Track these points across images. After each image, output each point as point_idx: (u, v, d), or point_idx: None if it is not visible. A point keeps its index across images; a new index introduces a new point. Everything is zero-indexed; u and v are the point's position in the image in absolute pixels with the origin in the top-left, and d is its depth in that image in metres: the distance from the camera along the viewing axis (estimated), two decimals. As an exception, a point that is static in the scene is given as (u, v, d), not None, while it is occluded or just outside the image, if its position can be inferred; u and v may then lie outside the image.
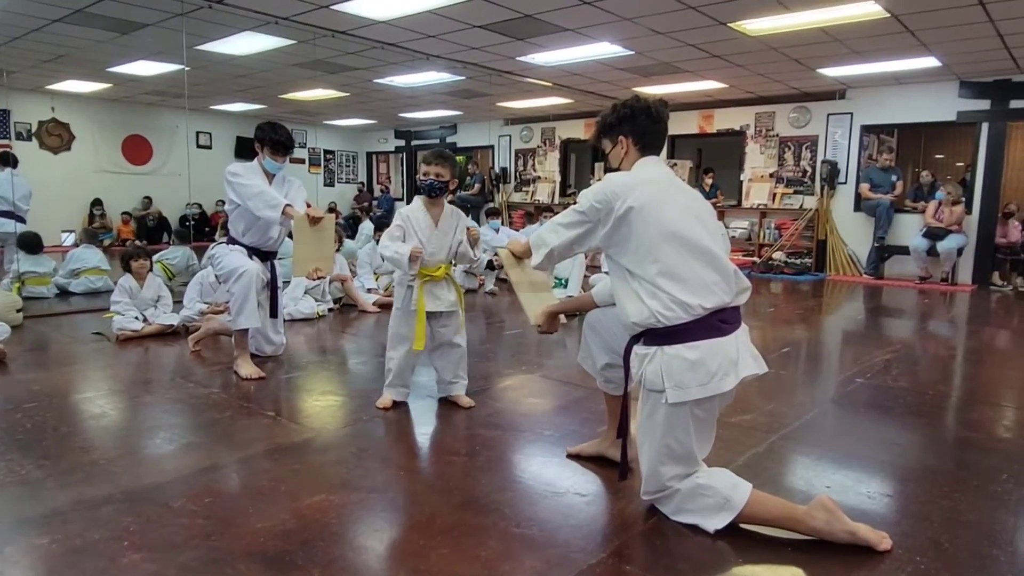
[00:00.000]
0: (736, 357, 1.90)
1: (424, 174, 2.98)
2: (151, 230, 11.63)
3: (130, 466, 2.42)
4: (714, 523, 1.91)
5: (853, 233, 9.05)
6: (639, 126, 2.10)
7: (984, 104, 8.04)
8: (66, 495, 2.16)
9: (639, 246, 1.91)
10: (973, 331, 5.59)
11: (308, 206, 3.58)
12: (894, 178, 8.68)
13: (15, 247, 6.35)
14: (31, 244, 6.31)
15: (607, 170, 2.17)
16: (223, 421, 2.95)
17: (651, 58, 7.18)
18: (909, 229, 8.45)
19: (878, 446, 2.76)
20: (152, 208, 11.92)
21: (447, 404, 3.22)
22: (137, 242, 11.21)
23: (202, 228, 11.83)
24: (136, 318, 4.66)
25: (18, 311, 4.91)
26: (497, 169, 12.72)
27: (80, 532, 1.92)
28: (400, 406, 3.17)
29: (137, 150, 12.00)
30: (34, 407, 3.08)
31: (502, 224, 8.84)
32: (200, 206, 12.20)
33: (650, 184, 1.97)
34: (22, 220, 6.74)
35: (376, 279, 6.49)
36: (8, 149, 7.39)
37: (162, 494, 2.18)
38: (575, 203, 2.09)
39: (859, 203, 8.95)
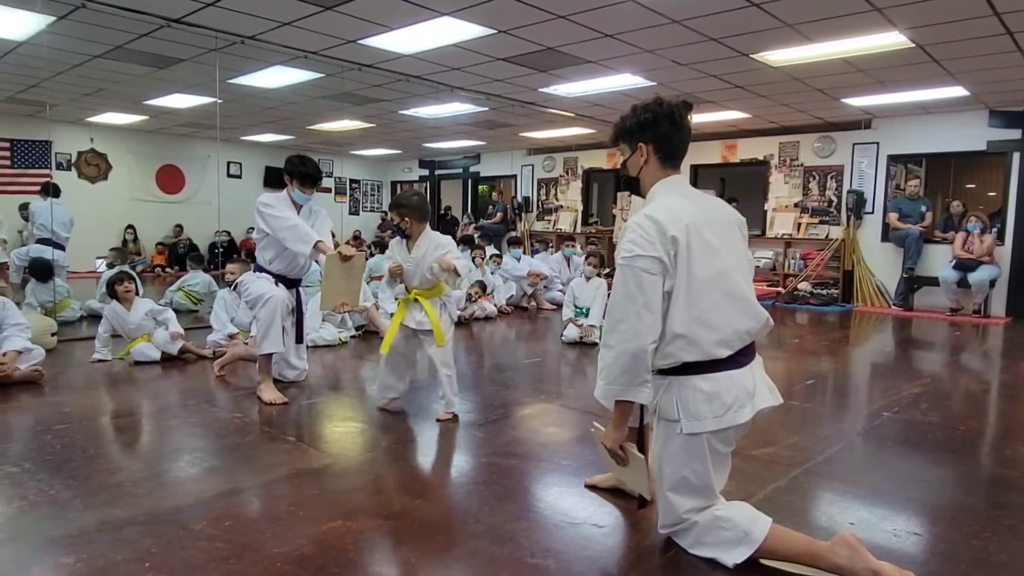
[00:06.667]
0: (752, 389, 1.88)
1: (390, 219, 3.38)
2: (181, 257, 11.90)
3: (154, 488, 2.46)
4: (733, 557, 1.87)
5: (881, 264, 8.92)
6: (661, 133, 1.97)
7: (1015, 134, 7.93)
8: (91, 516, 2.20)
9: (676, 290, 1.84)
10: (1007, 365, 5.44)
11: (332, 235, 3.65)
12: (923, 208, 8.56)
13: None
14: (41, 270, 6.17)
15: (626, 181, 2.09)
16: (245, 445, 2.98)
17: (673, 89, 7.23)
18: (939, 260, 8.30)
19: (905, 482, 2.69)
20: (183, 236, 12.22)
21: (465, 432, 3.24)
22: (168, 268, 11.51)
23: (230, 255, 12.07)
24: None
25: (52, 335, 5.04)
26: (519, 198, 12.83)
27: (103, 553, 1.95)
28: (420, 433, 3.20)
29: (170, 179, 12.36)
30: (64, 428, 3.15)
31: (523, 253, 8.89)
32: (229, 233, 12.46)
33: (685, 229, 1.85)
34: (61, 247, 6.95)
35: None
36: (49, 179, 7.65)
37: (183, 517, 2.21)
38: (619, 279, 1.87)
39: (887, 233, 8.83)
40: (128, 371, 4.44)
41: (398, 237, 3.48)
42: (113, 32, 5.67)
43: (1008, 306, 8.01)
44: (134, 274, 5.96)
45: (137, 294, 4.88)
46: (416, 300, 3.39)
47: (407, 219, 3.36)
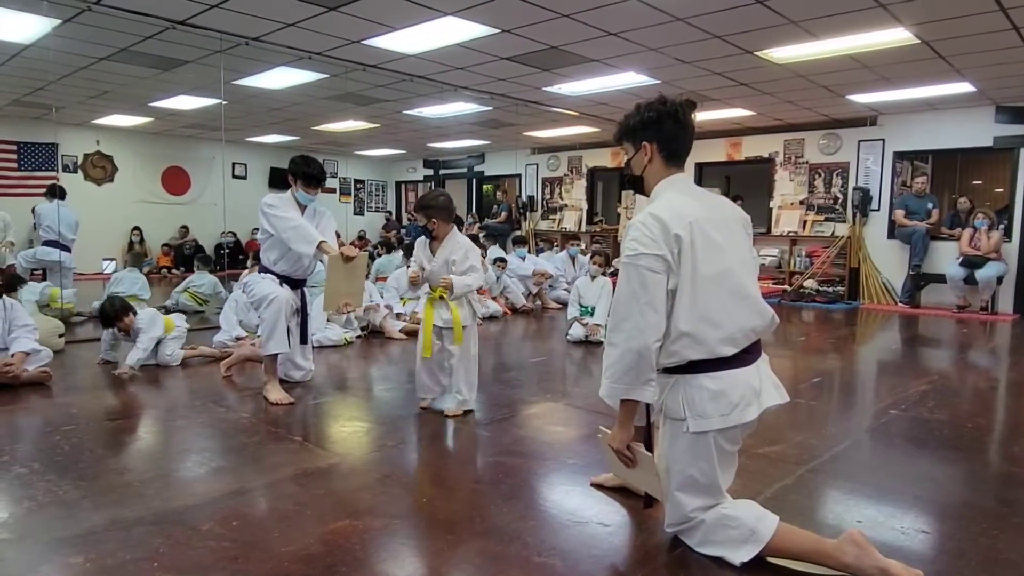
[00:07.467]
0: (759, 387, 1.88)
1: (414, 220, 3.35)
2: (187, 258, 11.95)
3: (161, 488, 2.47)
4: (739, 555, 1.87)
5: (887, 261, 8.88)
6: (665, 132, 1.96)
7: (1022, 129, 7.87)
8: (100, 516, 2.21)
9: (681, 288, 1.84)
10: (1015, 362, 5.41)
11: (337, 236, 3.66)
12: (930, 205, 8.52)
13: (58, 275, 6.56)
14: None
15: (629, 179, 2.08)
16: (252, 445, 2.99)
17: (677, 87, 7.22)
18: (945, 257, 8.26)
19: (913, 480, 2.68)
20: (189, 237, 12.27)
21: (471, 431, 3.25)
22: (174, 269, 11.55)
23: (236, 256, 12.12)
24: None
25: (60, 336, 5.07)
26: (524, 197, 12.82)
27: (112, 552, 1.96)
28: (425, 432, 3.20)
29: (176, 181, 12.41)
30: (72, 429, 3.16)
31: (528, 252, 8.89)
32: (235, 234, 12.50)
33: (688, 227, 1.84)
34: (67, 248, 6.99)
35: (403, 303, 6.56)
36: (55, 181, 7.69)
37: (191, 516, 2.22)
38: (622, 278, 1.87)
39: (893, 230, 8.79)
40: (134, 372, 4.45)
41: (423, 237, 3.50)
42: (118, 35, 5.69)
43: (1015, 303, 7.97)
44: (133, 303, 5.41)
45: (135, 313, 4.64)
46: (441, 298, 3.43)
47: (434, 220, 3.39)
